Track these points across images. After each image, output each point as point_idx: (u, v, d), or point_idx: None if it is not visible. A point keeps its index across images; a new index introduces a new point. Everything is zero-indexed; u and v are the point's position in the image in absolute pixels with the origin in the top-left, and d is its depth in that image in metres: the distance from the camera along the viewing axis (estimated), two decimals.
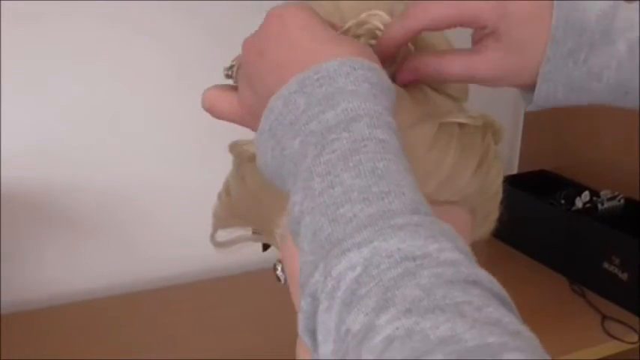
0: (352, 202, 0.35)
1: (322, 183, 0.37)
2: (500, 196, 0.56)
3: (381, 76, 0.41)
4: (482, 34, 0.49)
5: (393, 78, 0.49)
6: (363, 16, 0.50)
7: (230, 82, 0.50)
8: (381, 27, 0.50)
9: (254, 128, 0.46)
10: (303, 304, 0.35)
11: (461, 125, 0.51)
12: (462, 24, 0.48)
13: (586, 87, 0.49)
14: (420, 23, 0.48)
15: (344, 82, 0.39)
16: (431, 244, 0.33)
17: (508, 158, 1.84)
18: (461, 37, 0.52)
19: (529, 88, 0.51)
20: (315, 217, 0.36)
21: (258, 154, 0.43)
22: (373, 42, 0.50)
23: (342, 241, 0.34)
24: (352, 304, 0.32)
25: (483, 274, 0.33)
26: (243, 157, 0.54)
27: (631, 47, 0.48)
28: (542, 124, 1.78)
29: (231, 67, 0.49)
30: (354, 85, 0.39)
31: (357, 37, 0.50)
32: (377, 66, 0.41)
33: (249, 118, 0.46)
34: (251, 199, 0.54)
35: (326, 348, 0.33)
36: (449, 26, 0.49)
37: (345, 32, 0.50)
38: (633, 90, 0.49)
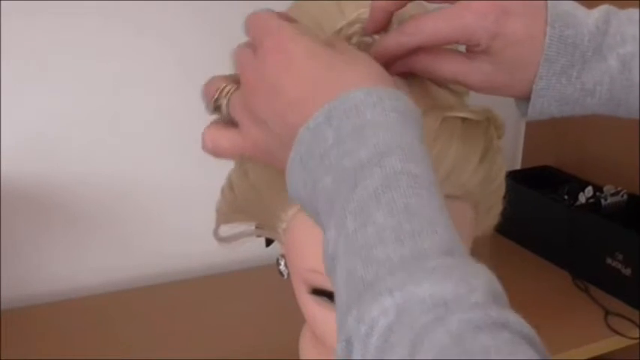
0: (385, 243, 0.35)
1: (355, 222, 0.37)
2: (502, 190, 0.56)
3: (408, 103, 0.41)
4: (475, 50, 0.49)
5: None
6: (353, 15, 0.50)
7: (215, 115, 0.48)
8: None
9: (264, 160, 0.46)
10: (338, 348, 0.36)
11: (463, 119, 0.51)
12: (455, 42, 0.49)
13: (579, 102, 0.50)
14: (414, 41, 0.48)
15: (372, 114, 0.39)
16: (462, 288, 0.33)
17: (511, 154, 1.84)
18: None
19: (522, 98, 0.51)
20: (349, 257, 0.36)
21: (289, 183, 0.42)
22: (366, 39, 0.50)
23: (374, 285, 0.34)
24: (385, 351, 0.33)
25: (512, 317, 0.33)
26: None
27: (623, 62, 0.49)
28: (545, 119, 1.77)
29: (217, 99, 0.47)
30: (383, 116, 0.39)
31: (350, 37, 0.50)
32: (402, 92, 0.41)
33: (258, 152, 0.46)
34: (254, 193, 0.54)
35: None
36: (442, 44, 0.49)
37: (337, 32, 0.50)
38: (625, 102, 0.50)
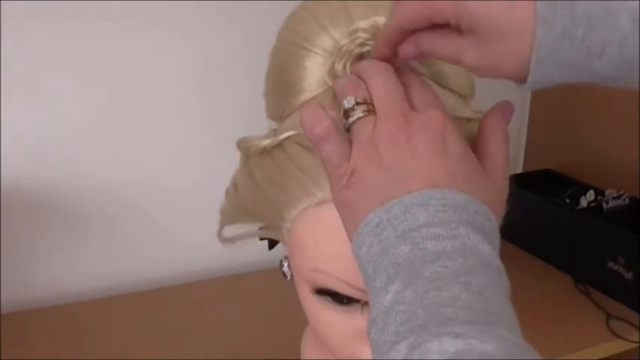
0: (456, 307, 0.36)
1: (429, 285, 0.37)
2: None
3: (494, 227, 0.43)
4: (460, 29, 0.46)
5: None
6: (351, 34, 0.51)
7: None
8: (368, 36, 0.51)
9: (343, 193, 0.44)
10: None
11: (468, 120, 0.51)
12: (426, 21, 0.46)
13: (586, 65, 0.44)
14: (392, 26, 0.47)
15: (466, 217, 0.41)
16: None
17: (513, 157, 1.84)
18: None
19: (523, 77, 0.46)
20: (413, 306, 0.37)
21: (357, 237, 0.42)
22: (365, 48, 0.51)
23: (439, 327, 0.35)
24: None
25: None
26: (250, 152, 0.54)
27: (633, 17, 0.42)
28: (547, 122, 1.77)
29: (352, 109, 0.45)
30: (475, 225, 0.41)
31: (351, 51, 0.51)
32: (493, 217, 0.43)
33: (346, 181, 0.44)
34: (258, 194, 0.54)
35: None
36: (415, 25, 0.47)
37: (339, 50, 0.51)
38: (637, 65, 0.44)
